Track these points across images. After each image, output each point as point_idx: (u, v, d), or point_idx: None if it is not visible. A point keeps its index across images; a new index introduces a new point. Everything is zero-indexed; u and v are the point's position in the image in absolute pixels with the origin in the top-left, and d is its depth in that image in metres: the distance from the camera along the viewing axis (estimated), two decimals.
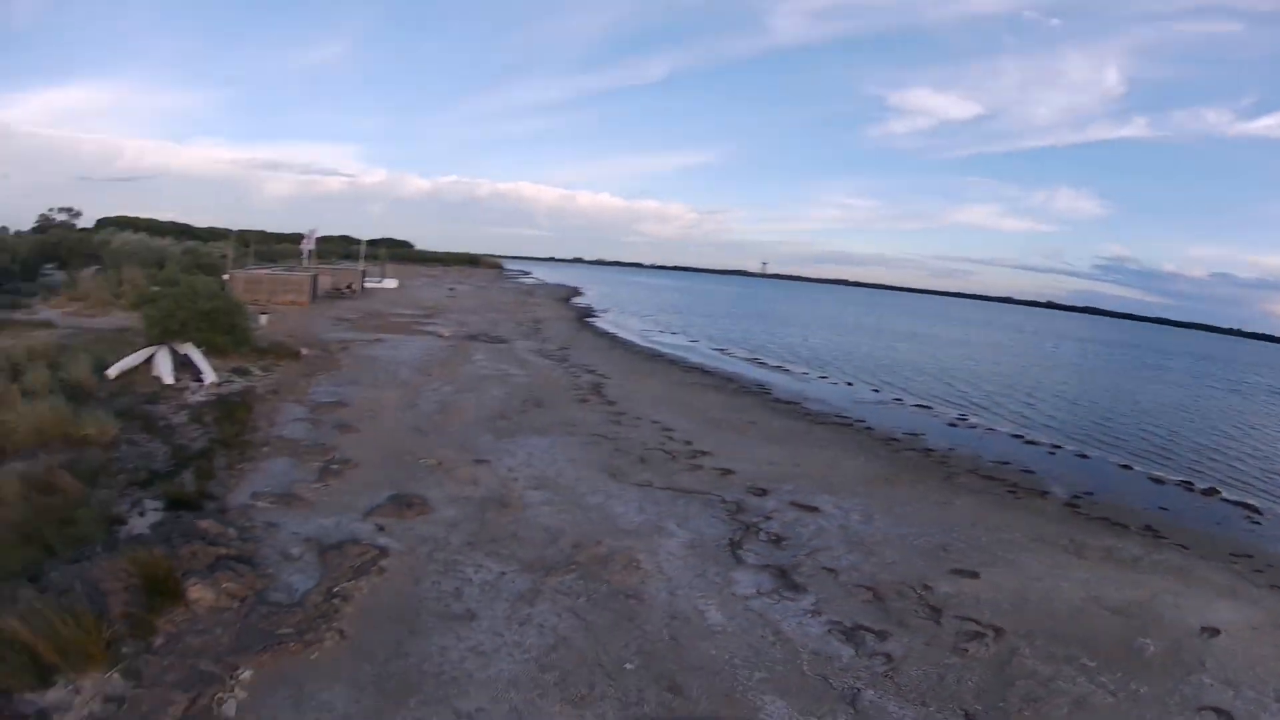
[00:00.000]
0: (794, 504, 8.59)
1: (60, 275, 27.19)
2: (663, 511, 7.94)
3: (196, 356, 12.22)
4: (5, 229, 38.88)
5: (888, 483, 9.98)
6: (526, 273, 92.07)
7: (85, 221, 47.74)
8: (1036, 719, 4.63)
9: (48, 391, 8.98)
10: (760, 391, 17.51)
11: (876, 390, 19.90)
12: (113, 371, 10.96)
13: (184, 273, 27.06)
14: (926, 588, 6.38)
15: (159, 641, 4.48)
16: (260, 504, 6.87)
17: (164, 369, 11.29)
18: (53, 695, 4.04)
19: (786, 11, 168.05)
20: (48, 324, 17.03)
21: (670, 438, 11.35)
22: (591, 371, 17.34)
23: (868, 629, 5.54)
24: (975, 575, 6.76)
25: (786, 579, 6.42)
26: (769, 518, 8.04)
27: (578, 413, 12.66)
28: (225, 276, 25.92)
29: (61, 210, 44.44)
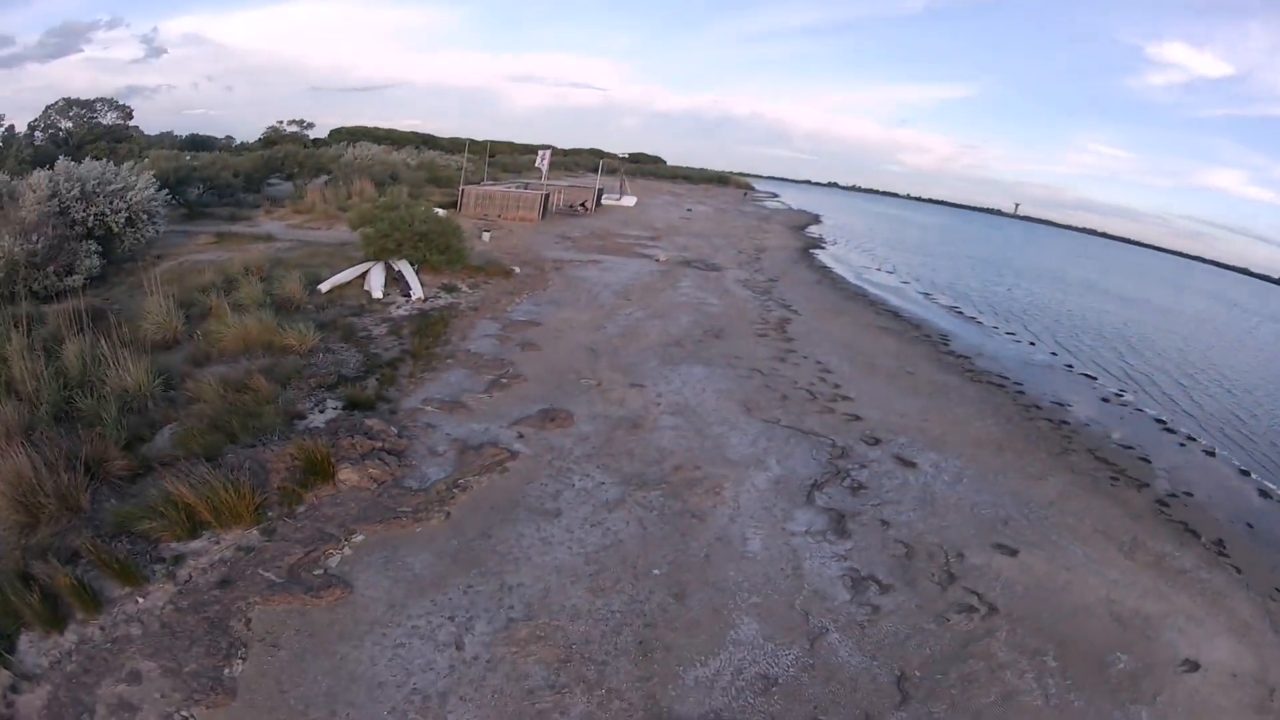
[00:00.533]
0: (896, 457, 9.08)
1: (287, 186, 28.97)
2: (772, 448, 8.82)
3: (409, 273, 14.66)
4: (231, 139, 40.83)
5: (998, 449, 9.93)
6: (775, 195, 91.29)
7: (318, 132, 48.42)
8: (960, 699, 4.95)
9: (257, 305, 10.78)
10: (939, 342, 17.22)
11: (1054, 354, 18.64)
12: (325, 286, 13.06)
13: (414, 189, 30.91)
14: (960, 555, 6.78)
15: (301, 510, 6.21)
16: (428, 409, 8.71)
17: (375, 284, 13.52)
18: (195, 544, 5.44)
19: None
20: (268, 237, 18.51)
21: (823, 379, 11.99)
22: (786, 307, 17.98)
23: (877, 581, 6.20)
24: (1014, 554, 6.96)
25: (840, 524, 7.14)
26: (864, 466, 8.64)
27: (750, 347, 13.59)
28: (462, 188, 29.25)
29: (292, 122, 45.08)
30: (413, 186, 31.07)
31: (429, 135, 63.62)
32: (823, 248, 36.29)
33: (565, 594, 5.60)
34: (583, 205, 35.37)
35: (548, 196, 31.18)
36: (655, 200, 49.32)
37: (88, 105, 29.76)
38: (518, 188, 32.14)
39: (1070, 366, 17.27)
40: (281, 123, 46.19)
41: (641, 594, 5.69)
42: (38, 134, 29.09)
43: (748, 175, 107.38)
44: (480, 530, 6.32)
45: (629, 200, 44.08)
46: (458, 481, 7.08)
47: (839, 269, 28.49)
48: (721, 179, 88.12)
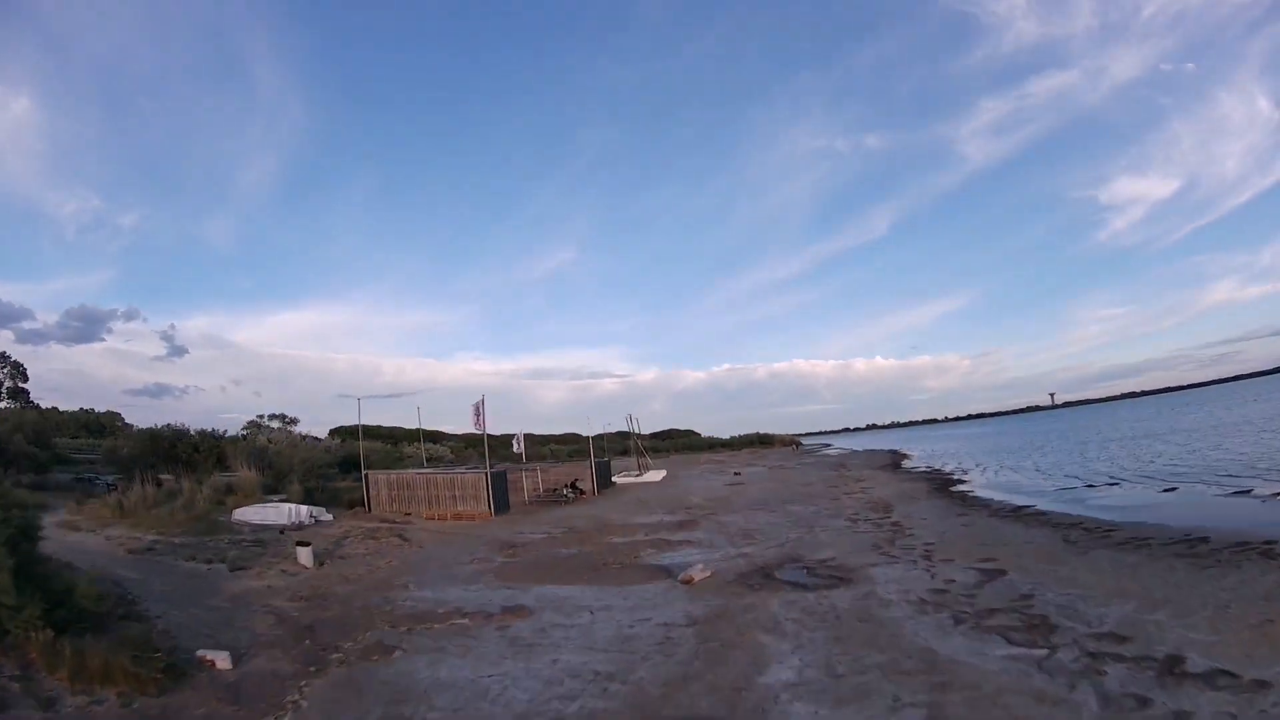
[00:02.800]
0: None
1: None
2: None
3: None
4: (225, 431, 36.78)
5: None
6: (826, 445, 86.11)
7: (314, 429, 47.67)
8: None
9: None
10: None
11: None
12: None
13: (311, 471, 21.63)
14: None
15: None
16: None
17: None
18: None
19: (966, 136, 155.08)
20: None
21: None
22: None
23: None
24: None
25: None
26: None
27: None
28: (365, 474, 19.85)
29: (274, 418, 42.84)
30: (309, 469, 22.01)
31: (437, 431, 57.38)
32: (956, 480, 25.24)
33: None
34: (570, 488, 24.96)
35: (503, 476, 21.21)
36: (691, 471, 39.37)
37: None
38: (465, 469, 22.68)
39: None
40: (262, 417, 43.16)
41: None
42: None
43: (786, 434, 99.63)
44: None
45: (653, 475, 34.17)
46: None
47: (1045, 500, 17.40)
48: (764, 439, 77.70)
